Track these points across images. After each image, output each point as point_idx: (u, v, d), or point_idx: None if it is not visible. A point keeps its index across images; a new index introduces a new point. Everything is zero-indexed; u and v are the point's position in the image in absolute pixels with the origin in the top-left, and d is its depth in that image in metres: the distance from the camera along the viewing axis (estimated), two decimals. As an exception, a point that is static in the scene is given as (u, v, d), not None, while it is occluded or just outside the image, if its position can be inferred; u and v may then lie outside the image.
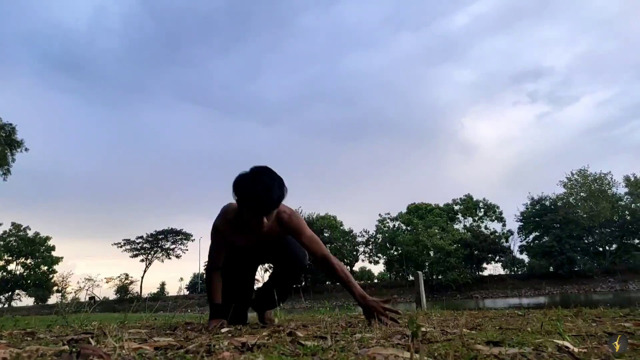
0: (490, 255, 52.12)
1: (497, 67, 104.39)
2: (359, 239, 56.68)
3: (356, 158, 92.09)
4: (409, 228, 53.06)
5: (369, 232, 56.83)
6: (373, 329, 1.75)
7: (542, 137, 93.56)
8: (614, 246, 51.31)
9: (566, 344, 1.03)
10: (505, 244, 53.39)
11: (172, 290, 64.29)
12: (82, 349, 1.01)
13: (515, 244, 54.18)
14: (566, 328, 1.70)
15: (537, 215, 51.61)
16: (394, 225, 55.96)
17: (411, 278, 50.30)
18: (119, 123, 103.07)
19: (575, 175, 52.19)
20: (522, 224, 53.08)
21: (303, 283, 56.52)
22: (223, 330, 1.95)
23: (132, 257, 56.11)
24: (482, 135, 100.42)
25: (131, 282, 56.79)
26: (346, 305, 7.48)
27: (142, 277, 56.31)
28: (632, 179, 51.51)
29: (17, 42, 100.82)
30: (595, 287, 44.47)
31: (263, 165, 2.25)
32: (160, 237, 56.72)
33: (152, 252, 56.47)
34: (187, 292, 62.27)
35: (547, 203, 52.46)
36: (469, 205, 55.57)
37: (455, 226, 54.31)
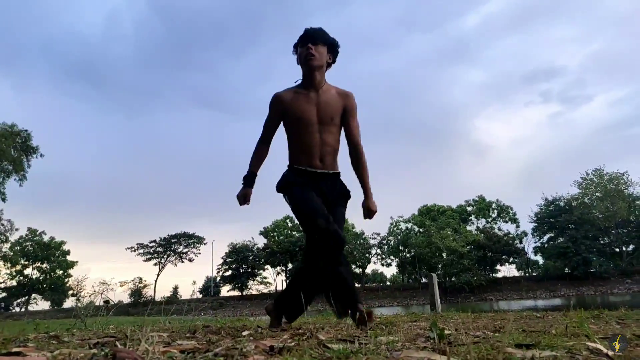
0: (504, 256, 51.59)
1: (509, 67, 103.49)
2: (371, 241, 56.52)
3: (367, 160, 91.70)
4: (421, 230, 52.77)
5: (380, 234, 56.64)
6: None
7: (555, 137, 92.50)
8: (631, 247, 50.45)
9: (599, 346, 1.01)
10: (519, 245, 52.81)
11: (185, 293, 64.72)
12: (117, 352, 1.01)
13: (529, 245, 53.66)
14: (592, 330, 1.67)
15: (552, 215, 50.97)
16: (407, 227, 55.72)
17: (424, 280, 50.01)
18: (133, 128, 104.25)
19: (590, 175, 51.51)
20: (536, 224, 52.46)
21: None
22: (244, 333, 1.98)
23: (145, 260, 56.66)
24: (495, 136, 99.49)
25: (145, 286, 57.29)
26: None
27: (156, 281, 56.82)
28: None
29: (33, 49, 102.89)
30: (612, 288, 43.76)
31: None
32: (173, 240, 57.15)
33: (165, 256, 56.92)
34: (200, 296, 62.60)
35: (562, 203, 51.79)
36: (482, 207, 55.13)
37: (468, 228, 53.90)
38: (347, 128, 2.68)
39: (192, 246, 58.10)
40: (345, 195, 2.70)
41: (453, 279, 48.30)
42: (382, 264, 56.97)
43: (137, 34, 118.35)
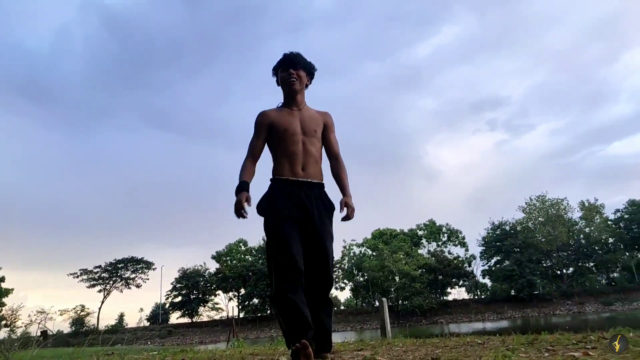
0: (454, 279, 52.81)
1: (458, 96, 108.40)
2: (326, 266, 56.27)
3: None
4: (374, 254, 53.27)
5: (334, 258, 56.64)
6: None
7: (501, 164, 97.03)
8: (571, 269, 53.05)
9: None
10: (468, 268, 54.30)
11: (131, 321, 61.83)
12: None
13: (478, 268, 55.24)
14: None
15: (498, 239, 52.94)
16: (360, 251, 56.10)
17: (377, 304, 50.11)
18: (79, 148, 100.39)
19: (534, 201, 54.10)
20: (483, 248, 54.25)
21: (269, 311, 55.52)
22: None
23: (89, 287, 53.78)
24: (445, 162, 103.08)
25: (87, 314, 54.24)
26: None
27: (100, 309, 53.91)
28: (586, 204, 53.81)
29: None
30: (555, 309, 45.64)
31: None
32: (119, 266, 54.73)
33: (111, 282, 54.29)
34: (147, 323, 59.91)
35: (507, 228, 53.96)
36: (433, 230, 56.48)
37: (420, 251, 54.96)
38: (328, 142, 2.86)
39: (140, 271, 55.86)
40: (331, 209, 2.75)
41: (405, 302, 48.84)
42: (336, 288, 56.86)
43: (88, 50, 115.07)
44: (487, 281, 56.51)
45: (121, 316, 59.13)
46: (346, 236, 57.17)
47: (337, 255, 57.37)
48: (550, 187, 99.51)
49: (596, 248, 52.15)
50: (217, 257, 57.27)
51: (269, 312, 55.31)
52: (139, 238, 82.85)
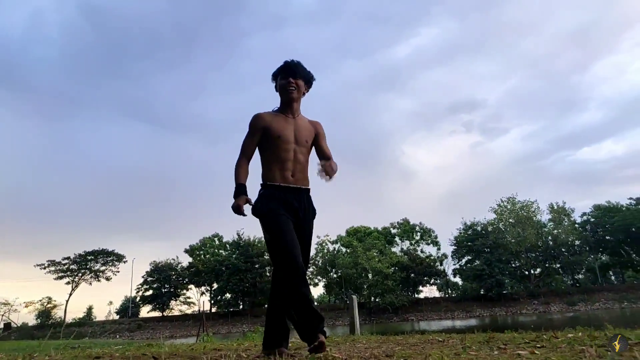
0: (426, 278, 53.60)
1: (435, 98, 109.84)
2: (299, 261, 56.32)
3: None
4: (348, 251, 53.60)
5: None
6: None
7: (475, 165, 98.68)
8: (538, 270, 54.50)
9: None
10: (440, 267, 55.15)
11: (100, 314, 60.70)
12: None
13: (449, 267, 56.17)
14: (467, 358, 1.81)
15: (469, 239, 53.93)
16: (334, 248, 56.36)
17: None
18: (52, 137, 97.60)
19: (505, 203, 55.28)
20: (455, 247, 55.18)
21: (241, 306, 55.30)
22: None
23: (56, 279, 52.42)
24: (420, 162, 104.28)
25: (54, 307, 52.91)
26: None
27: (67, 301, 52.66)
28: (555, 207, 55.31)
29: None
30: (522, 309, 46.82)
31: None
32: (89, 258, 53.54)
33: (80, 274, 53.10)
34: (117, 317, 58.93)
35: (479, 228, 55.02)
36: (407, 229, 57.10)
37: (393, 249, 55.48)
38: (320, 149, 3.01)
39: (110, 264, 54.77)
40: (314, 212, 2.95)
41: (377, 299, 49.33)
42: (310, 284, 56.96)
43: (64, 37, 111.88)
44: (458, 280, 57.54)
45: (89, 309, 58.10)
46: (322, 232, 57.40)
47: (311, 251, 57.30)
48: (522, 190, 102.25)
49: (563, 250, 53.71)
50: (191, 251, 56.64)
51: (241, 307, 55.08)
52: (112, 230, 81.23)
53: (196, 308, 55.52)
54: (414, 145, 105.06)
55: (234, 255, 54.38)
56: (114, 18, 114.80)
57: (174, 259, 56.28)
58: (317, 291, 72.83)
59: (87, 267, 53.30)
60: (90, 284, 53.52)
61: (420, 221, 57.69)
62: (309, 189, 2.93)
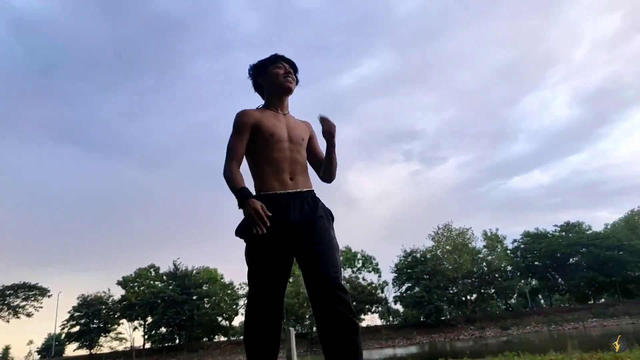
0: (367, 306, 53.78)
1: (377, 127, 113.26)
2: (240, 292, 54.96)
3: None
4: (290, 280, 52.84)
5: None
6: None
7: (415, 193, 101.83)
8: (474, 296, 56.31)
9: None
10: (381, 294, 55.61)
11: (19, 354, 55.55)
12: None
13: (390, 294, 56.74)
14: None
15: (409, 266, 54.91)
16: (276, 278, 55.32)
17: (291, 332, 49.39)
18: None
19: (442, 230, 57.07)
20: (396, 275, 55.98)
21: (177, 340, 52.68)
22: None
23: (-33, 317, 47.58)
24: (363, 189, 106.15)
25: (-36, 348, 47.87)
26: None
27: (-20, 341, 47.82)
28: (489, 233, 57.87)
29: None
30: (459, 334, 47.88)
31: None
32: (8, 292, 49.20)
33: (-4, 311, 48.54)
34: (37, 357, 54.22)
35: (418, 255, 56.28)
36: (349, 257, 57.38)
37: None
38: (316, 152, 2.63)
39: (32, 299, 50.57)
40: (327, 214, 2.39)
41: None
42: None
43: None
44: (399, 307, 58.13)
45: (6, 350, 52.99)
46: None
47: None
48: (459, 217, 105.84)
49: (496, 276, 55.94)
50: (124, 283, 53.56)
51: (177, 341, 52.48)
52: (36, 262, 75.45)
53: (128, 344, 52.26)
54: (358, 172, 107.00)
55: (170, 287, 52.04)
56: (48, 36, 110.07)
57: (104, 292, 53.10)
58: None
59: (5, 302, 48.85)
60: (8, 321, 48.96)
61: (362, 249, 58.23)
62: (312, 191, 2.43)
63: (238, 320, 59.81)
